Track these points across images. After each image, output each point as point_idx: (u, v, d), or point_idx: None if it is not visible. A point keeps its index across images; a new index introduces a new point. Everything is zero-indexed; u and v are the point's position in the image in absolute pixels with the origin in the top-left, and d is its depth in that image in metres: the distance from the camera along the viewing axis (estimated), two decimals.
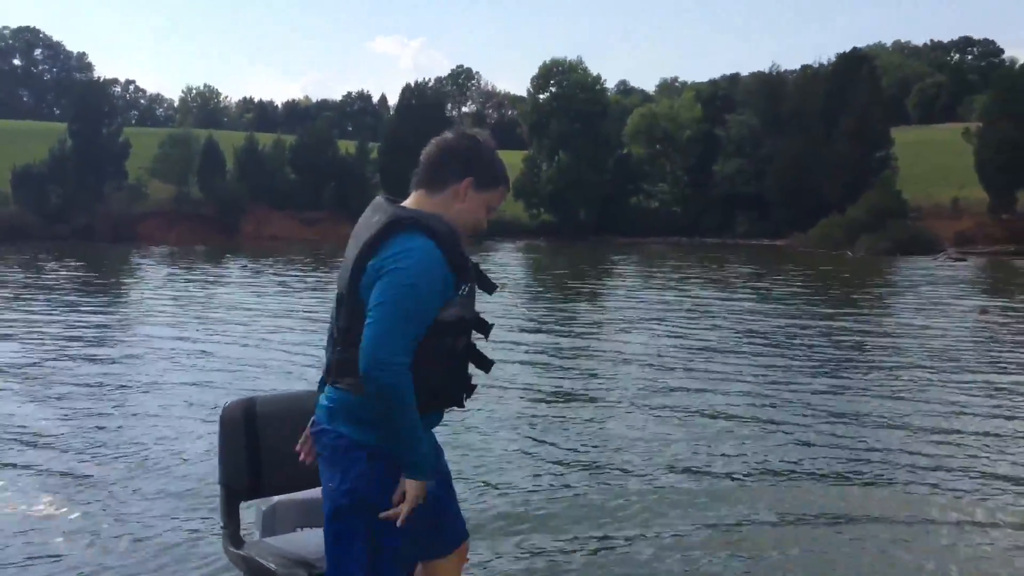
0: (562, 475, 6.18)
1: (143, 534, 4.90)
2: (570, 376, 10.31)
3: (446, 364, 2.40)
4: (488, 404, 8.25)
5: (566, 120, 60.69)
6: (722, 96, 65.73)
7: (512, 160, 63.51)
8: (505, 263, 34.26)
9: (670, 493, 5.80)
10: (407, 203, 2.49)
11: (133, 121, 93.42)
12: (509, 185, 2.59)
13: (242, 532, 2.97)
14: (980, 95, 65.06)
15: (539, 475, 6.19)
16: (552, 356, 11.78)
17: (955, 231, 44.23)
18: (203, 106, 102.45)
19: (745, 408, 8.44)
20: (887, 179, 48.24)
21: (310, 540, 2.91)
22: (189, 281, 23.95)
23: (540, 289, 23.81)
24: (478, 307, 2.46)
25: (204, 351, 11.56)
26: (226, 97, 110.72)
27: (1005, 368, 10.94)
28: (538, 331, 14.42)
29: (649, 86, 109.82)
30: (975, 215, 46.14)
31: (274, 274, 26.45)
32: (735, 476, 6.23)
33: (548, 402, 8.81)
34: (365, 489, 2.37)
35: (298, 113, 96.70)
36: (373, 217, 2.41)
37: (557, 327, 15.09)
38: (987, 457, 6.84)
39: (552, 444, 7.06)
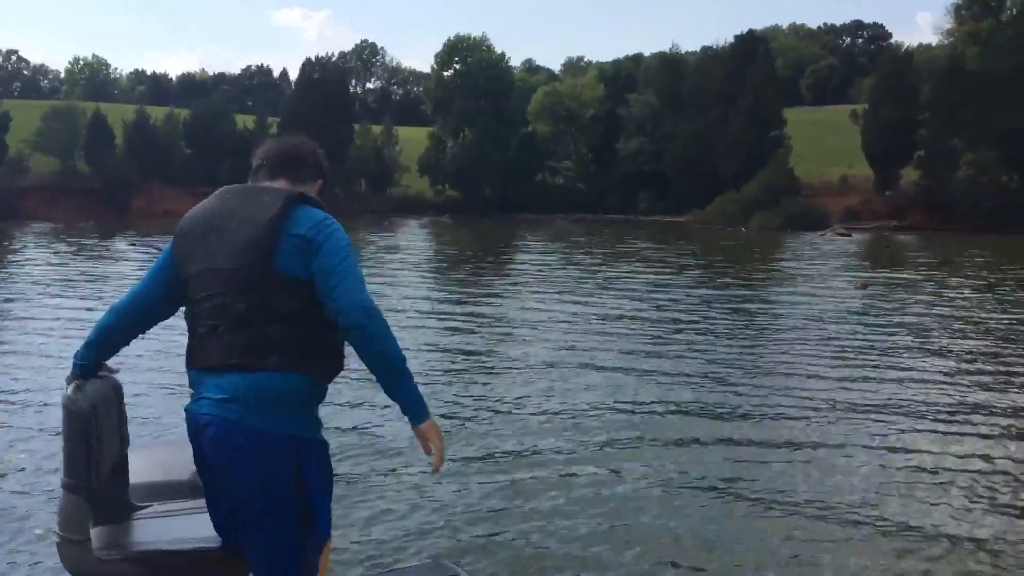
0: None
1: None
2: (473, 342, 10.33)
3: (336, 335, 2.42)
4: None
5: (471, 97, 60.42)
6: (625, 76, 66.66)
7: (418, 136, 63.04)
8: (410, 238, 33.95)
9: (564, 434, 5.95)
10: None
11: (16, 93, 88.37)
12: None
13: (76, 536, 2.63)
14: (869, 77, 67.87)
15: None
16: (458, 323, 11.77)
17: (843, 207, 46.19)
18: (91, 78, 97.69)
19: (639, 371, 8.86)
20: (780, 158, 49.87)
21: (163, 531, 2.76)
22: (73, 257, 22.90)
23: (445, 263, 23.73)
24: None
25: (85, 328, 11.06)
26: (116, 69, 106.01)
27: (884, 332, 11.54)
28: (443, 303, 14.37)
29: (555, 65, 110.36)
30: (861, 192, 48.26)
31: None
32: (629, 415, 6.49)
33: (450, 365, 8.80)
34: (294, 485, 2.32)
35: (194, 87, 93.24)
36: (262, 197, 2.39)
37: (461, 299, 15.07)
38: (848, 399, 7.41)
39: (452, 402, 7.25)
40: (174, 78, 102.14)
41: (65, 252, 25.11)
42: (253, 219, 2.32)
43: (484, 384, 8.17)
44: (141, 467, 3.08)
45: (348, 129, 60.52)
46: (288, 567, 2.40)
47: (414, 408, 2.35)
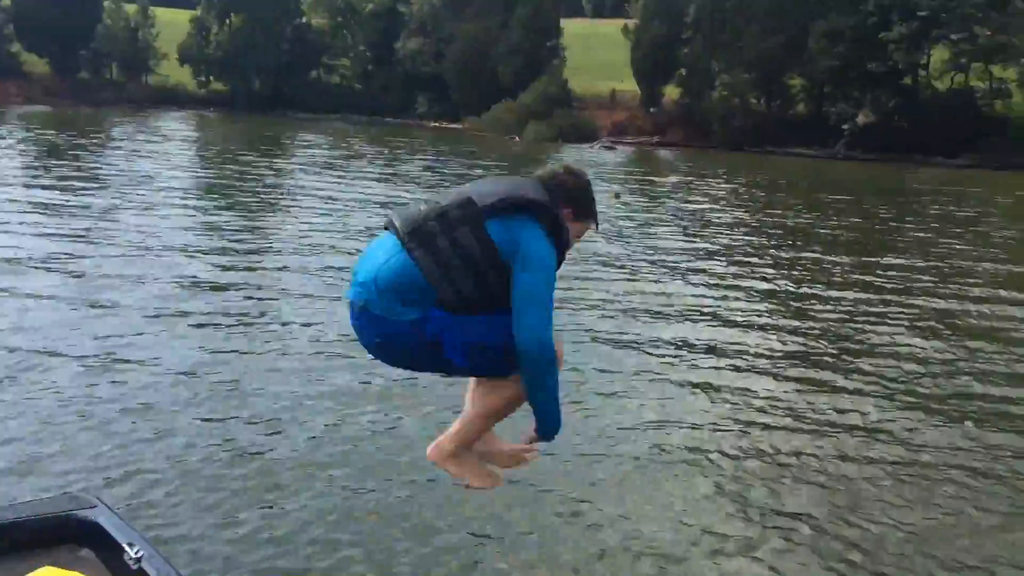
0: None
1: None
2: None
3: None
4: None
5: None
6: None
7: (179, 19, 57.66)
8: (170, 135, 31.18)
9: None
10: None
11: None
12: (597, 221, 2.70)
13: None
14: None
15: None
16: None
17: (612, 122, 47.91)
18: None
19: None
20: (556, 69, 50.62)
21: None
22: None
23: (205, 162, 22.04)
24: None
25: None
26: None
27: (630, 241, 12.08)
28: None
29: None
30: (629, 107, 50.20)
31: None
32: None
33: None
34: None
35: None
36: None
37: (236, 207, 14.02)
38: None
39: None
40: None
41: None
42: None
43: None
44: None
45: (96, 5, 54.26)
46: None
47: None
